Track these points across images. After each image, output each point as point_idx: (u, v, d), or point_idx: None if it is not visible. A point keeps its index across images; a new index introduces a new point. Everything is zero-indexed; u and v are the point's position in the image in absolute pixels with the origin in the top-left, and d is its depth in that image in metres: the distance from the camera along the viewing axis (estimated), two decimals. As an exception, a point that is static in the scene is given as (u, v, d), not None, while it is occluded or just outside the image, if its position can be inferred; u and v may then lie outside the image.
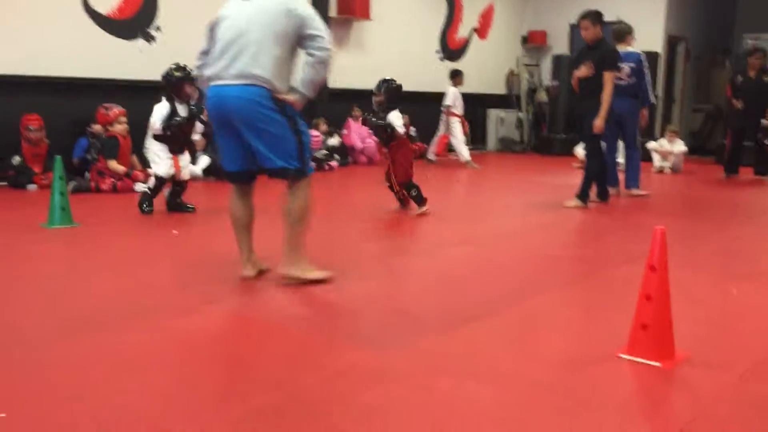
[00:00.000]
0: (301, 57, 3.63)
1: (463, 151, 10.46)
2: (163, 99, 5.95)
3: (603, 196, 6.98)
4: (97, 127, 7.65)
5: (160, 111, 5.91)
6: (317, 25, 3.56)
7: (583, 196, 6.67)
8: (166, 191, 6.08)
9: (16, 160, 7.23)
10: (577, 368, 2.70)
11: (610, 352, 2.82)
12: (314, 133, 9.41)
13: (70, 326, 3.04)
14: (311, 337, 3.00)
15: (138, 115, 7.84)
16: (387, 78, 6.38)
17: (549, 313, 3.50)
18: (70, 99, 7.83)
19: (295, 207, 3.65)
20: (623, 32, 7.51)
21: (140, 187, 7.12)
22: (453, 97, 10.50)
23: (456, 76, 10.62)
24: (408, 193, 6.19)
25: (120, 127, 7.38)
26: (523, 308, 3.48)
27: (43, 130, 7.30)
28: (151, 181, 5.99)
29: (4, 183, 7.23)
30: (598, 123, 6.37)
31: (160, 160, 5.92)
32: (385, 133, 6.24)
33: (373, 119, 6.28)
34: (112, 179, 7.12)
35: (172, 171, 5.92)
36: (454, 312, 3.36)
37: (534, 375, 2.62)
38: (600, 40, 6.51)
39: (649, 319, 2.66)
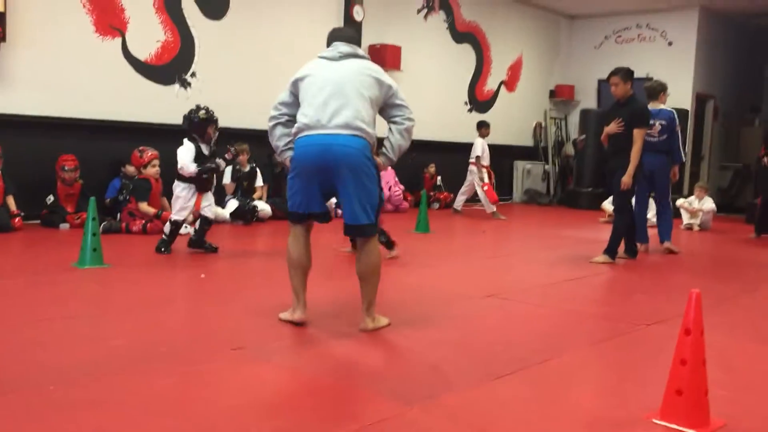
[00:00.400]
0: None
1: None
2: (186, 141, 6.07)
3: (631, 252, 6.93)
4: (130, 169, 7.81)
5: (187, 153, 6.01)
6: (402, 96, 3.88)
7: (611, 251, 6.62)
8: (191, 229, 6.16)
9: (50, 199, 7.38)
10: (605, 430, 2.65)
11: (641, 416, 2.76)
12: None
13: (98, 367, 3.05)
14: (339, 387, 2.98)
15: (171, 158, 8.00)
16: None
17: (577, 371, 3.45)
18: (106, 141, 8.02)
19: (371, 264, 3.83)
20: (656, 90, 7.54)
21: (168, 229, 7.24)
22: (481, 148, 10.54)
23: (482, 127, 10.68)
24: (378, 239, 6.24)
25: (152, 170, 7.53)
26: (551, 366, 3.43)
27: (77, 171, 7.46)
28: (167, 227, 6.06)
29: (37, 222, 7.36)
30: (626, 180, 6.37)
31: (180, 207, 6.03)
32: None
33: None
34: (143, 221, 7.23)
35: (190, 218, 6.04)
36: (481, 367, 3.33)
37: (564, 436, 2.57)
38: (630, 97, 6.55)
39: (683, 384, 2.61)
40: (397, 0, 11.31)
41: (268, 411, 2.74)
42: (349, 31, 4.11)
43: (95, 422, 2.50)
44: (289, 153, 3.85)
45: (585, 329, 4.24)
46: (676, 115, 7.41)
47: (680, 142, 7.46)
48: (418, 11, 11.75)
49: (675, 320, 4.43)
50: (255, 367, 3.24)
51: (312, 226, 3.96)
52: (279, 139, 3.89)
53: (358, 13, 10.46)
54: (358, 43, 4.05)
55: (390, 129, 3.88)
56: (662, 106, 7.42)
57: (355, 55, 3.87)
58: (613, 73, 6.56)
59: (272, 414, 2.70)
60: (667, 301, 5.14)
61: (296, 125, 3.78)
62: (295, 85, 3.84)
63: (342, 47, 3.87)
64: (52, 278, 4.88)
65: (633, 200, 6.81)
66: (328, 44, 3.95)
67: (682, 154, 7.55)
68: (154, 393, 2.81)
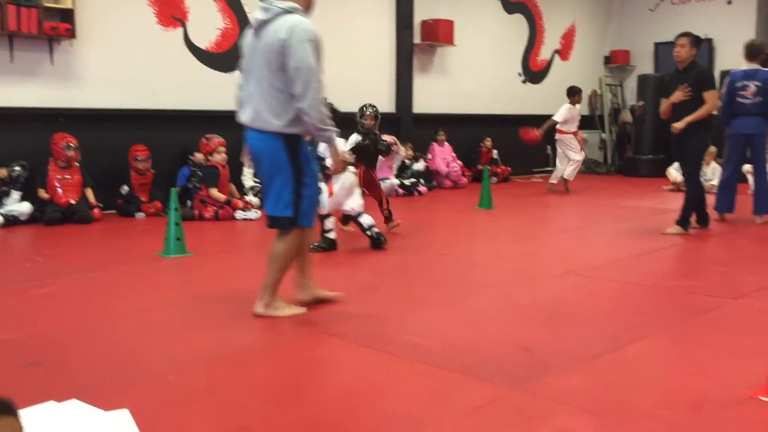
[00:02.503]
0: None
1: (567, 171, 10.19)
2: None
3: (703, 222, 6.82)
4: (198, 156, 7.98)
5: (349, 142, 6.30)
6: (302, 63, 3.55)
7: (683, 222, 6.53)
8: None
9: (125, 189, 7.61)
10: (713, 410, 2.66)
11: (745, 394, 2.77)
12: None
13: (204, 356, 3.19)
14: (442, 372, 3.05)
15: (236, 144, 8.14)
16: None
17: (673, 350, 3.46)
18: (173, 130, 8.20)
19: (273, 252, 3.76)
20: (757, 50, 7.14)
21: (240, 215, 7.40)
22: (562, 115, 10.02)
23: (571, 95, 10.15)
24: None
25: (219, 157, 7.69)
26: (646, 344, 3.44)
27: (149, 161, 7.67)
28: (368, 221, 5.73)
29: (113, 212, 7.61)
30: (678, 124, 6.22)
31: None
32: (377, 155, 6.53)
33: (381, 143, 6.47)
34: (215, 207, 7.41)
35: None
36: (575, 347, 3.36)
37: (673, 416, 2.60)
38: (692, 63, 6.39)
39: (794, 362, 2.60)
40: (448, -26, 11.19)
41: (376, 397, 2.82)
42: None
43: (215, 408, 2.63)
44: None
45: (672, 305, 4.23)
46: None
47: None
48: (470, -16, 11.61)
49: (759, 293, 4.41)
50: (353, 352, 3.33)
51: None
52: None
53: (410, -11, 10.38)
54: None
55: None
56: (758, 67, 7.13)
57: (274, 18, 3.51)
58: (683, 35, 6.38)
59: (382, 400, 2.79)
60: (748, 272, 5.09)
61: None
62: None
63: (261, 10, 3.57)
64: (141, 268, 5.06)
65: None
66: None
67: None
68: (263, 382, 2.93)
